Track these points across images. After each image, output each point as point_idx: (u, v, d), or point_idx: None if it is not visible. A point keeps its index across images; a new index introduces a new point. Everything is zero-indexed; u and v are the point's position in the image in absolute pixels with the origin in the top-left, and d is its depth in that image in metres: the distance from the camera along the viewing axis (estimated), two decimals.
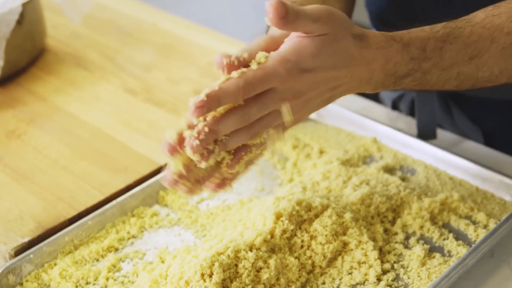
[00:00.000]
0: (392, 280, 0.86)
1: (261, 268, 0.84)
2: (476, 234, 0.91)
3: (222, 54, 0.75)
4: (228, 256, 0.84)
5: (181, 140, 0.74)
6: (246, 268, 0.83)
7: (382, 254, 0.89)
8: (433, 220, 0.94)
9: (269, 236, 0.87)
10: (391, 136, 1.08)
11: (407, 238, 0.92)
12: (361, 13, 1.23)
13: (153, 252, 0.93)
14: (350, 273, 0.87)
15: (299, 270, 0.86)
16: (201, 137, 0.73)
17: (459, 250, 0.89)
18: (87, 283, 0.89)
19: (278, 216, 0.89)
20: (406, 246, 0.91)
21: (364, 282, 0.86)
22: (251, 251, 0.84)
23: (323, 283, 0.86)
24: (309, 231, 0.89)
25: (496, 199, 0.97)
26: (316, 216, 0.90)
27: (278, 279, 0.85)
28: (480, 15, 0.86)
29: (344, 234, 0.89)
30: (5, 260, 0.92)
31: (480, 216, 0.94)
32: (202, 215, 0.98)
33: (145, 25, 1.44)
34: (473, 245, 0.89)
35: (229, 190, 0.84)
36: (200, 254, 0.86)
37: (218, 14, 3.51)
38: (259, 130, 0.77)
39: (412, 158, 1.05)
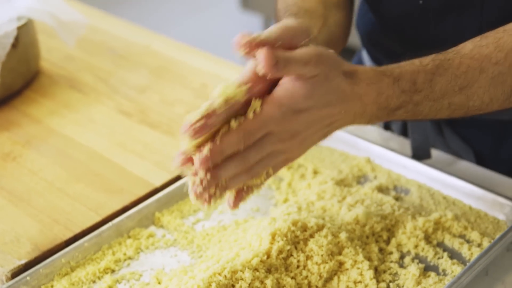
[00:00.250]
0: None
1: None
2: (470, 253, 0.92)
3: (241, 34, 0.77)
4: (225, 276, 0.85)
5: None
6: None
7: (377, 273, 0.90)
8: (427, 239, 0.95)
9: (265, 257, 0.88)
10: (384, 156, 1.09)
11: (402, 257, 0.93)
12: (352, 34, 1.25)
13: (149, 273, 0.94)
14: None
15: None
16: (204, 184, 0.76)
17: (453, 269, 0.90)
18: None
19: (274, 236, 0.89)
20: (401, 265, 0.91)
21: None
22: (248, 271, 0.85)
23: None
24: (305, 251, 0.89)
25: (489, 218, 0.98)
26: (312, 236, 0.90)
27: None
28: (468, 46, 0.88)
29: (340, 253, 0.90)
30: (1, 282, 0.92)
31: (474, 235, 0.95)
32: (198, 236, 0.99)
33: (138, 47, 1.45)
34: (467, 263, 0.90)
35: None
36: (197, 275, 0.87)
37: (208, 35, 3.53)
38: (259, 170, 0.80)
39: (406, 178, 1.06)
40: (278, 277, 0.87)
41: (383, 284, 0.88)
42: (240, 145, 0.76)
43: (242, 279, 0.85)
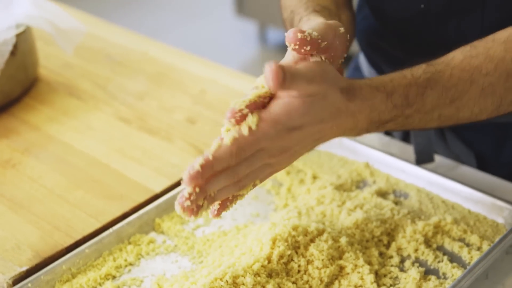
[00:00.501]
0: None
1: None
2: (470, 256, 0.93)
3: (296, 29, 0.78)
4: (227, 281, 0.85)
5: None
6: None
7: (378, 277, 0.90)
8: (427, 243, 0.95)
9: (266, 261, 0.88)
10: (383, 160, 1.09)
11: (402, 261, 0.93)
12: None
13: (150, 279, 0.94)
14: None
15: None
16: (192, 197, 0.76)
17: (454, 272, 0.90)
18: None
19: (275, 241, 0.90)
20: (402, 269, 0.92)
21: None
22: (249, 276, 0.85)
23: None
24: (305, 256, 0.90)
25: (488, 221, 0.99)
26: (312, 240, 0.91)
27: None
28: (458, 57, 0.89)
29: (340, 258, 0.90)
30: None
31: (474, 239, 0.95)
32: (199, 242, 0.99)
33: (136, 54, 1.46)
34: (467, 267, 0.91)
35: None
36: (199, 280, 0.87)
37: (203, 41, 3.53)
38: (247, 183, 0.80)
39: (405, 182, 1.06)
40: (279, 282, 0.87)
41: None
42: (232, 161, 0.76)
43: (243, 284, 0.85)
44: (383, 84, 0.85)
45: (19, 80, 1.30)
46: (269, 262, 0.88)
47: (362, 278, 0.89)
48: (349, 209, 0.99)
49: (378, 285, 0.89)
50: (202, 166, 0.75)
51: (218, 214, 0.81)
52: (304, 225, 0.92)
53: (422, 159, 1.10)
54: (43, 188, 1.09)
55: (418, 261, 0.93)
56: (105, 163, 1.14)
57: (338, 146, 1.13)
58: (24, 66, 1.31)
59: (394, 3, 1.11)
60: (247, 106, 0.77)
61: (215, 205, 0.81)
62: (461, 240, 0.96)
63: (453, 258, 0.93)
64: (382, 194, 1.05)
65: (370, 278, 0.88)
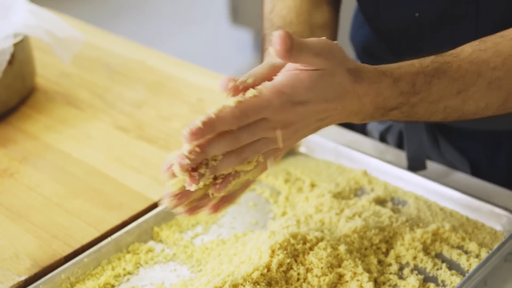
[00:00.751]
0: None
1: None
2: (468, 264, 0.93)
3: (228, 78, 0.77)
4: None
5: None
6: None
7: (377, 285, 0.90)
8: (426, 250, 0.95)
9: (265, 270, 0.88)
10: (381, 168, 1.09)
11: (401, 269, 0.93)
12: (344, 46, 1.26)
13: None
14: None
15: None
16: (192, 156, 0.75)
17: (453, 280, 0.91)
18: None
19: (274, 250, 0.90)
20: (401, 277, 0.92)
21: None
22: (248, 285, 0.85)
23: None
24: (304, 264, 0.90)
25: (486, 228, 0.99)
26: (311, 248, 0.91)
27: None
28: (467, 50, 0.89)
29: (339, 266, 0.90)
30: None
31: (472, 246, 0.95)
32: (197, 250, 0.99)
33: (133, 63, 1.46)
34: (466, 274, 0.91)
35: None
36: None
37: (198, 50, 3.54)
38: (249, 155, 0.79)
39: (403, 190, 1.07)
40: None
41: None
42: (234, 123, 0.75)
43: None
44: (390, 70, 0.85)
45: (16, 89, 1.30)
46: (268, 270, 0.88)
47: (361, 286, 0.89)
48: (347, 217, 0.99)
49: None
50: (203, 123, 0.74)
51: (219, 189, 0.79)
52: (303, 233, 0.92)
53: (414, 166, 1.10)
54: (41, 197, 1.09)
55: (417, 269, 0.93)
56: (103, 172, 1.14)
57: (336, 154, 1.13)
58: (22, 75, 1.31)
59: (389, 12, 1.11)
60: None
61: (214, 200, 0.80)
62: (459, 247, 0.96)
63: (452, 266, 0.93)
64: (380, 201, 1.05)
65: (369, 286, 0.88)
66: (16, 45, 1.26)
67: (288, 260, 0.89)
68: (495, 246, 0.93)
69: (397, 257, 0.94)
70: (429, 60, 0.87)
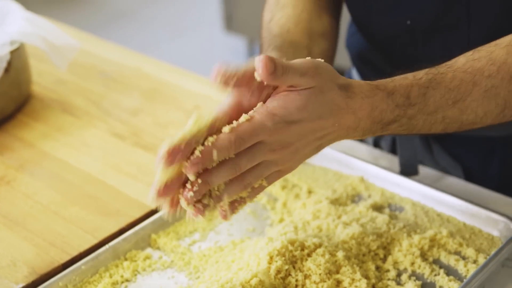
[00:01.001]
0: None
1: None
2: (466, 269, 0.93)
3: (220, 64, 0.78)
4: None
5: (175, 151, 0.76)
6: None
7: None
8: (423, 256, 0.95)
9: (264, 276, 0.88)
10: (378, 174, 1.10)
11: (399, 274, 0.93)
12: (341, 55, 1.26)
13: None
14: None
15: None
16: (195, 188, 0.75)
17: (450, 286, 0.91)
18: None
19: (272, 256, 0.90)
20: (399, 283, 0.92)
21: None
22: None
23: None
24: (303, 270, 0.90)
25: (483, 234, 0.99)
26: (309, 255, 0.91)
27: None
28: (461, 60, 0.89)
29: (338, 272, 0.90)
30: None
31: (469, 252, 0.95)
32: (195, 257, 0.99)
33: (129, 70, 1.46)
34: (464, 280, 0.91)
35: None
36: None
37: (192, 57, 3.54)
38: (251, 180, 0.79)
39: (400, 196, 1.07)
40: None
41: None
42: (231, 149, 0.76)
43: None
44: (383, 83, 0.85)
45: (12, 97, 1.30)
46: (266, 277, 0.88)
47: None
48: (345, 223, 0.99)
49: None
50: (202, 152, 0.74)
51: (226, 216, 0.80)
52: (301, 239, 0.92)
53: (406, 171, 1.10)
54: (38, 205, 1.09)
55: (414, 275, 0.93)
56: (100, 179, 1.14)
57: (333, 160, 1.13)
58: (18, 83, 1.31)
59: (380, 20, 1.12)
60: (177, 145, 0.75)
61: (224, 207, 0.80)
62: (457, 253, 0.96)
63: (450, 271, 0.94)
64: (378, 208, 1.05)
65: None
66: (12, 52, 1.26)
67: (286, 267, 0.89)
68: (493, 252, 0.93)
69: (395, 263, 0.95)
70: (423, 72, 0.88)
